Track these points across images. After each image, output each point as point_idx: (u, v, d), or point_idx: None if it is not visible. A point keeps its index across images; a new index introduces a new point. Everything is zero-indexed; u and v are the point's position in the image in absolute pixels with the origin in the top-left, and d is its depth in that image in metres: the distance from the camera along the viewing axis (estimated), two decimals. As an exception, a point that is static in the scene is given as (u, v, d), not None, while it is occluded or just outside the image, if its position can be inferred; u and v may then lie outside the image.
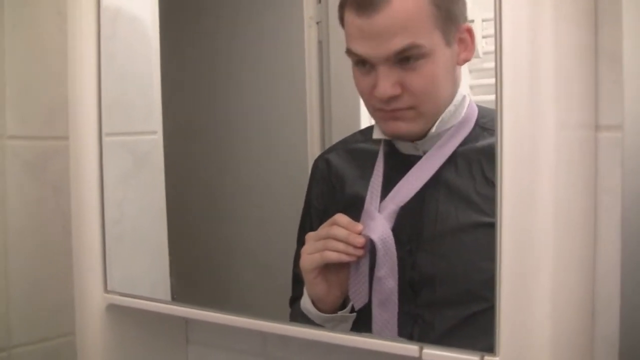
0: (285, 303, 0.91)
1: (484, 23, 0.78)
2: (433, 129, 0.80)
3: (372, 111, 0.83)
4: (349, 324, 0.83)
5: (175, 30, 1.07)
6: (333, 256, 0.79)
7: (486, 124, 0.79)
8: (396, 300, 0.79)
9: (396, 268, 0.79)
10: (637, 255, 0.68)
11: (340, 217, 0.80)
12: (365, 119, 0.87)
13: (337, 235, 0.79)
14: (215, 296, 1.04)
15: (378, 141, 0.84)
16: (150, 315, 0.98)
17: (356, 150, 0.88)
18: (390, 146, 0.84)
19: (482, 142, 0.79)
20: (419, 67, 0.76)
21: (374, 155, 0.84)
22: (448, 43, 0.77)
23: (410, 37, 0.75)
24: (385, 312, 0.79)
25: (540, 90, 0.66)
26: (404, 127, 0.80)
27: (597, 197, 0.75)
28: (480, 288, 0.74)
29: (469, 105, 0.81)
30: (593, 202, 0.75)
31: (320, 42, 0.93)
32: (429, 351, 0.72)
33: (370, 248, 0.79)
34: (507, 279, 0.67)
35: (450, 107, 0.80)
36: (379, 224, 0.79)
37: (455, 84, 0.80)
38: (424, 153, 0.81)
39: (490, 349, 0.68)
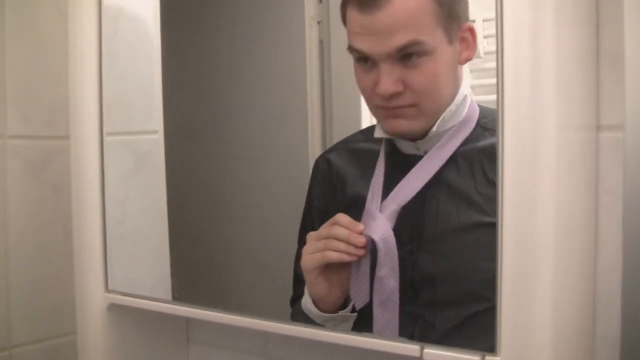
0: (286, 303, 0.91)
1: (485, 23, 0.78)
2: (434, 128, 0.80)
3: (374, 109, 0.83)
4: (350, 324, 0.83)
5: (176, 30, 1.07)
6: (334, 256, 0.79)
7: (487, 124, 0.79)
8: (397, 300, 0.79)
9: (397, 268, 0.79)
10: (638, 255, 0.68)
11: (342, 217, 0.80)
12: (366, 119, 0.87)
13: (338, 235, 0.79)
14: (216, 296, 1.04)
15: (379, 141, 0.84)
16: (151, 314, 0.98)
17: (357, 150, 0.88)
18: (391, 146, 0.84)
19: (484, 142, 0.79)
20: (421, 65, 0.76)
21: (375, 155, 0.84)
22: (450, 41, 0.77)
23: (413, 34, 0.75)
24: (386, 312, 0.79)
25: (541, 90, 0.66)
26: (405, 125, 0.80)
27: (598, 197, 0.75)
28: (481, 288, 0.74)
29: (470, 105, 0.81)
30: (594, 202, 0.75)
31: (321, 42, 0.93)
32: (430, 351, 0.73)
33: (372, 248, 0.79)
34: (508, 278, 0.67)
35: (452, 107, 0.80)
36: (380, 223, 0.79)
37: (456, 83, 0.80)
38: (425, 153, 0.81)
39: (491, 349, 0.68)
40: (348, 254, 0.79)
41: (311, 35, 0.94)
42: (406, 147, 0.83)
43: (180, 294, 1.04)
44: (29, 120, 1.05)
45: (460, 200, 0.78)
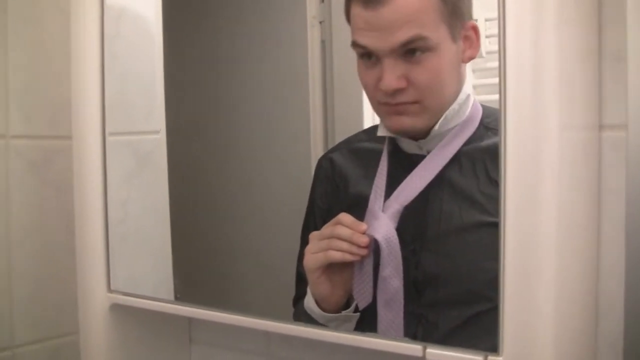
0: (288, 302, 0.91)
1: (487, 23, 0.78)
2: (436, 127, 0.79)
3: (376, 106, 0.83)
4: (353, 324, 0.83)
5: (178, 30, 1.07)
6: (337, 256, 0.79)
7: (490, 123, 0.79)
8: (402, 300, 0.79)
9: (401, 267, 0.79)
10: (641, 255, 0.68)
11: (344, 217, 0.80)
12: (368, 118, 0.87)
13: (341, 235, 0.79)
14: (218, 295, 1.04)
15: (382, 140, 0.84)
16: (154, 314, 0.98)
17: (360, 149, 0.88)
18: (394, 145, 0.84)
19: (487, 142, 0.78)
20: (425, 61, 0.76)
21: (378, 155, 0.84)
22: (454, 39, 0.77)
23: (416, 29, 0.75)
24: (391, 312, 0.79)
25: (543, 89, 0.66)
26: (408, 121, 0.80)
27: (600, 197, 0.75)
28: (483, 288, 0.74)
29: (473, 104, 0.81)
30: (597, 202, 0.75)
31: (323, 42, 0.93)
32: (433, 351, 0.72)
33: (374, 248, 0.79)
34: (510, 278, 0.67)
35: (454, 105, 0.79)
36: (383, 223, 0.79)
37: (459, 81, 0.80)
38: (428, 152, 0.81)
39: (493, 349, 0.68)
40: (351, 253, 0.79)
41: (313, 35, 0.94)
42: (409, 147, 0.83)
43: (182, 293, 1.04)
44: (31, 120, 1.05)
45: (463, 200, 0.78)
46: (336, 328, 0.83)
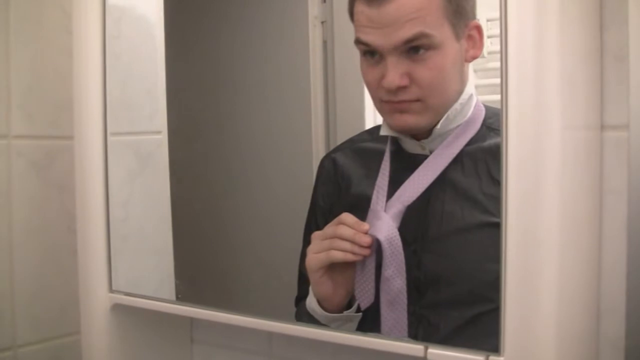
0: (290, 302, 0.91)
1: (489, 23, 0.78)
2: (438, 126, 0.79)
3: (379, 104, 0.82)
4: (355, 324, 0.83)
5: (180, 30, 1.08)
6: (339, 255, 0.79)
7: (493, 124, 0.79)
8: (405, 300, 0.79)
9: (404, 267, 0.79)
10: (643, 255, 0.68)
11: (347, 217, 0.80)
12: (370, 119, 0.87)
13: (343, 235, 0.79)
14: (220, 295, 1.04)
15: (385, 141, 0.84)
16: (155, 314, 0.98)
17: (362, 149, 0.88)
18: (396, 145, 0.84)
19: (489, 142, 0.78)
20: (428, 59, 0.76)
21: (381, 155, 0.84)
22: (457, 37, 0.77)
23: (420, 26, 0.75)
24: (394, 312, 0.79)
25: (545, 89, 0.66)
26: (410, 120, 0.80)
27: (602, 197, 0.75)
28: (485, 288, 0.74)
29: (476, 105, 0.81)
30: (598, 202, 0.75)
31: (324, 42, 0.93)
32: (434, 351, 0.72)
33: (377, 248, 0.79)
34: (512, 279, 0.67)
35: (457, 105, 0.79)
36: (385, 223, 0.79)
37: (462, 80, 0.80)
38: (431, 152, 0.81)
39: (495, 349, 0.68)
40: (353, 253, 0.79)
41: (315, 35, 0.94)
42: (411, 147, 0.83)
43: (184, 293, 1.04)
44: (33, 121, 1.06)
45: (465, 200, 0.78)
46: (338, 328, 0.83)
